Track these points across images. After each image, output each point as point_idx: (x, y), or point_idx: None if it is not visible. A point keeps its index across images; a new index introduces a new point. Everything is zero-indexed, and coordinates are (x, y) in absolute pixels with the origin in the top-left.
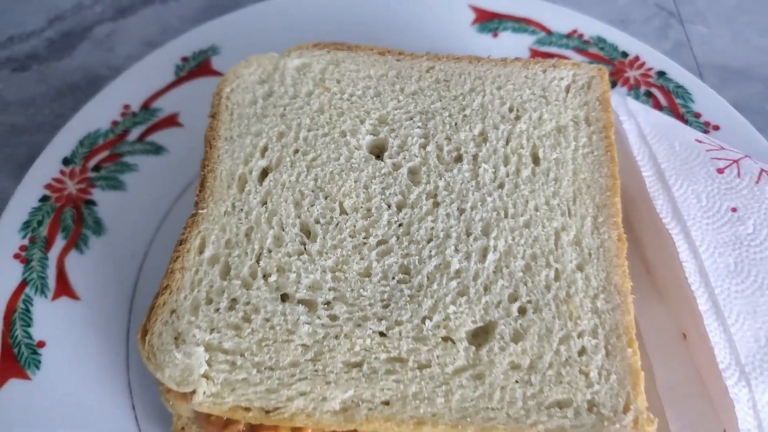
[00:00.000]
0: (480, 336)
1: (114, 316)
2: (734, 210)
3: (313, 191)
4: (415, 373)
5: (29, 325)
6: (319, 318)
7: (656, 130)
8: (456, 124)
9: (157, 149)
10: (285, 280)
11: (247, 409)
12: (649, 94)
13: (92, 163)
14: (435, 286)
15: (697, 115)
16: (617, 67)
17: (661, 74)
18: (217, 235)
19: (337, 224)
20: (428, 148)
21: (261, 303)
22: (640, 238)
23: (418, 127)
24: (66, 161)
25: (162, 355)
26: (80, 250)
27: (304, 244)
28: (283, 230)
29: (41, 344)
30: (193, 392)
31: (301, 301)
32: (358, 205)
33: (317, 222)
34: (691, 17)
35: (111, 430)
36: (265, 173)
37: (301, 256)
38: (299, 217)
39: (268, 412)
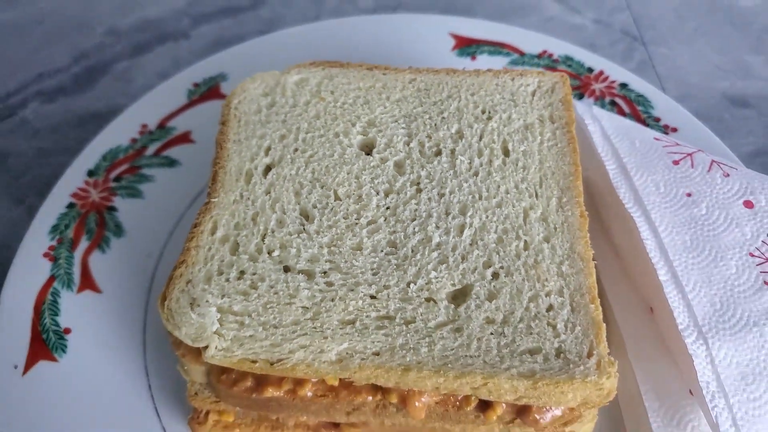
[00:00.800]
0: (458, 297)
1: (132, 308)
2: (689, 195)
3: (310, 182)
4: (401, 328)
5: (57, 314)
6: (317, 284)
7: (618, 131)
8: (435, 124)
9: (171, 162)
10: (287, 254)
11: (254, 362)
12: (613, 103)
13: (114, 174)
14: (418, 257)
15: (657, 119)
16: (584, 81)
17: (624, 86)
18: (227, 219)
19: (332, 208)
20: (411, 145)
21: (266, 273)
22: (608, 225)
23: (402, 128)
24: (90, 173)
25: (179, 317)
26: (102, 250)
27: (303, 225)
28: (285, 214)
29: (67, 331)
30: (206, 348)
31: (301, 272)
32: (351, 193)
33: (314, 207)
34: (654, 40)
35: (129, 408)
36: (268, 169)
37: (300, 235)
38: (299, 204)
39: (272, 363)
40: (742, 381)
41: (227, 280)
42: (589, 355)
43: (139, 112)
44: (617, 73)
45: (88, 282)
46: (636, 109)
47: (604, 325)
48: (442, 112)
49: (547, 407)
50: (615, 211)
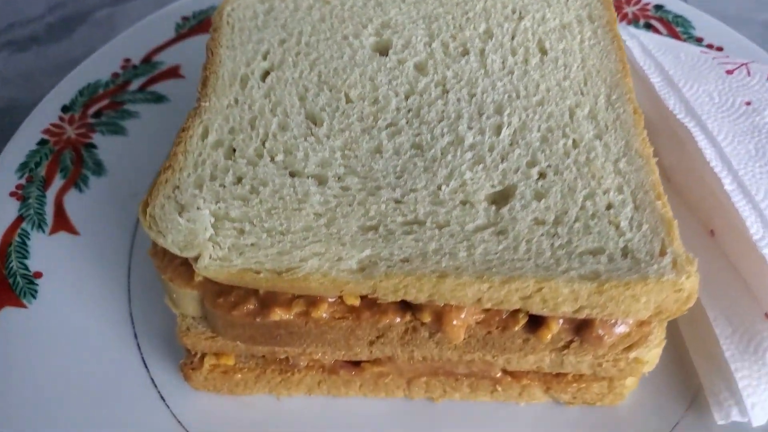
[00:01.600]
0: (500, 200)
1: (115, 250)
2: (748, 103)
3: (317, 85)
4: (434, 232)
5: (25, 257)
6: (330, 189)
7: (660, 46)
8: (460, 25)
9: (159, 98)
10: (293, 159)
11: (258, 272)
12: (648, 26)
13: (92, 110)
14: (449, 158)
15: (699, 39)
16: (615, 4)
17: (659, 7)
18: (220, 124)
19: (344, 111)
20: (433, 46)
21: (268, 178)
22: (656, 148)
23: (422, 29)
24: (65, 109)
25: (165, 223)
26: (80, 189)
27: (311, 129)
28: (288, 118)
29: (38, 275)
30: (198, 259)
31: (311, 176)
32: (365, 95)
33: (323, 110)
34: None
35: (113, 358)
36: (267, 73)
37: (308, 138)
38: (304, 108)
39: (280, 273)
40: None
41: (222, 185)
42: (662, 253)
43: (121, 47)
44: None
45: (62, 223)
46: (674, 30)
47: (676, 221)
48: (466, 13)
49: (613, 321)
50: (663, 128)
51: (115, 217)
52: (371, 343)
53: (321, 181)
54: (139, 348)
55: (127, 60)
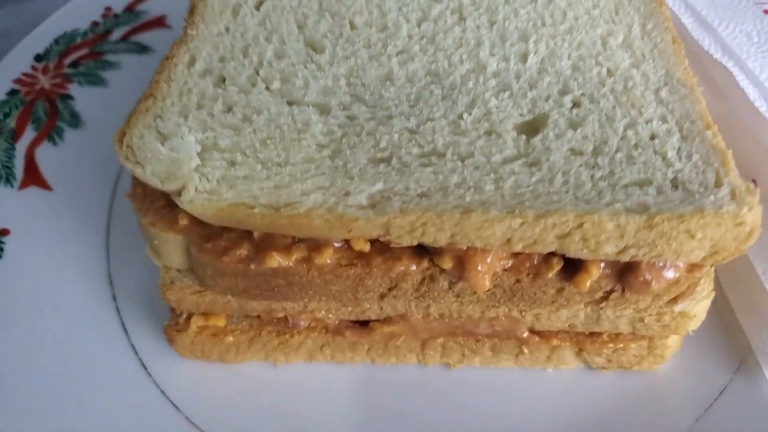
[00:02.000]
0: (530, 132)
1: (92, 207)
2: None
3: (318, 12)
4: (455, 164)
5: None
6: (334, 118)
7: None
8: None
9: (142, 48)
10: (291, 87)
11: (252, 207)
12: None
13: (69, 60)
14: (471, 85)
15: None
16: None
17: None
18: (208, 52)
19: (348, 38)
20: None
21: (263, 106)
22: None
23: None
24: (39, 58)
25: (144, 153)
26: (53, 142)
27: (311, 57)
28: (285, 45)
29: (5, 232)
30: (183, 193)
31: (312, 105)
32: (371, 22)
33: (324, 37)
34: None
35: (89, 322)
36: (261, 3)
37: (308, 65)
38: (303, 35)
39: (278, 208)
40: None
41: (210, 114)
42: (717, 185)
43: None
44: None
45: (33, 177)
46: None
47: (730, 151)
48: None
49: (661, 264)
50: (696, 72)
51: (94, 171)
52: (382, 296)
53: (323, 111)
54: (118, 311)
55: (108, 8)
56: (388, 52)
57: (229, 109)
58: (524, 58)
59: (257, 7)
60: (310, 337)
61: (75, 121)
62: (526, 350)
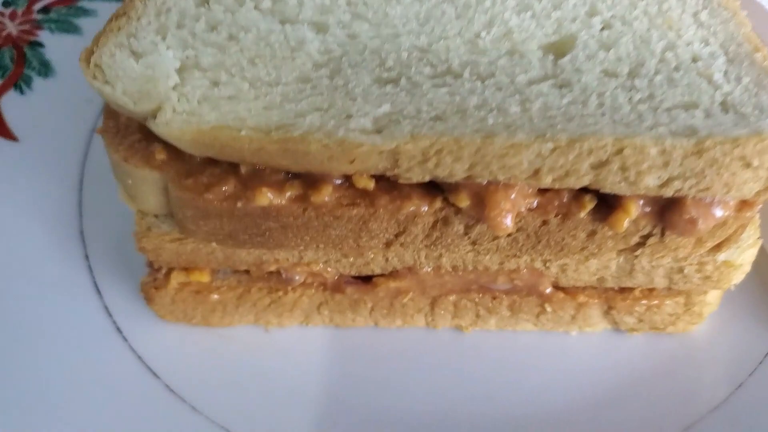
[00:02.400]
0: (557, 53)
1: (63, 161)
2: None
3: None
4: (474, 85)
5: None
6: (333, 36)
7: None
8: None
9: None
10: (283, 5)
11: (238, 130)
12: None
13: (39, 5)
14: (488, 4)
15: None
16: None
17: None
18: None
19: None
20: None
21: (252, 24)
22: None
23: None
24: (6, 3)
25: (114, 71)
26: (20, 91)
27: None
28: None
29: None
30: (158, 115)
31: (307, 23)
32: None
33: None
34: None
35: (60, 279)
36: None
37: None
38: None
39: (268, 132)
40: None
41: (192, 33)
42: None
43: None
44: None
45: None
46: None
47: None
48: None
49: (708, 200)
50: None
51: (66, 123)
52: (388, 244)
53: (320, 29)
54: (91, 270)
55: None
56: None
57: (213, 29)
58: None
59: None
60: (306, 295)
61: (45, 69)
62: (549, 309)
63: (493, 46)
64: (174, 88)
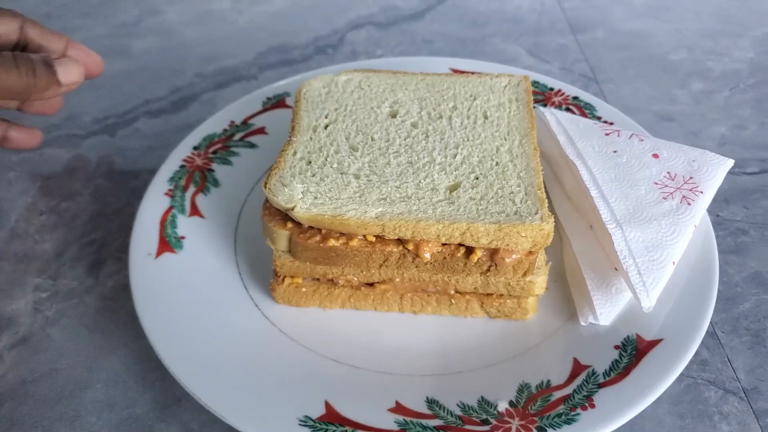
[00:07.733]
0: (452, 188)
1: (225, 227)
2: (615, 151)
3: (355, 132)
4: (415, 202)
5: (175, 227)
6: (361, 180)
7: (568, 119)
8: (438, 103)
9: (252, 145)
10: (342, 166)
11: (323, 216)
12: (567, 109)
13: (212, 150)
14: (428, 168)
15: (599, 117)
16: (547, 95)
17: (575, 98)
18: (302, 148)
19: (369, 144)
20: (422, 113)
21: (329, 174)
22: (561, 180)
23: (416, 104)
24: (195, 148)
25: (276, 191)
26: (205, 194)
27: (352, 153)
28: (339, 146)
29: (183, 237)
30: (293, 209)
31: (352, 174)
32: (382, 137)
33: (359, 144)
34: (604, 80)
35: (226, 285)
36: (327, 125)
37: (350, 157)
38: (348, 142)
39: (334, 217)
40: (645, 250)
41: (304, 177)
42: (536, 212)
43: (228, 113)
44: (571, 90)
45: (195, 211)
46: (584, 112)
47: (546, 200)
48: (443, 96)
49: (511, 249)
50: (565, 167)
51: (226, 210)
52: (380, 266)
53: (357, 177)
54: (241, 277)
55: (232, 122)
56: (389, 151)
57: (314, 175)
58: (455, 156)
59: (325, 128)
60: (344, 291)
61: (215, 183)
62: (453, 302)
63: (426, 186)
64: (300, 198)
